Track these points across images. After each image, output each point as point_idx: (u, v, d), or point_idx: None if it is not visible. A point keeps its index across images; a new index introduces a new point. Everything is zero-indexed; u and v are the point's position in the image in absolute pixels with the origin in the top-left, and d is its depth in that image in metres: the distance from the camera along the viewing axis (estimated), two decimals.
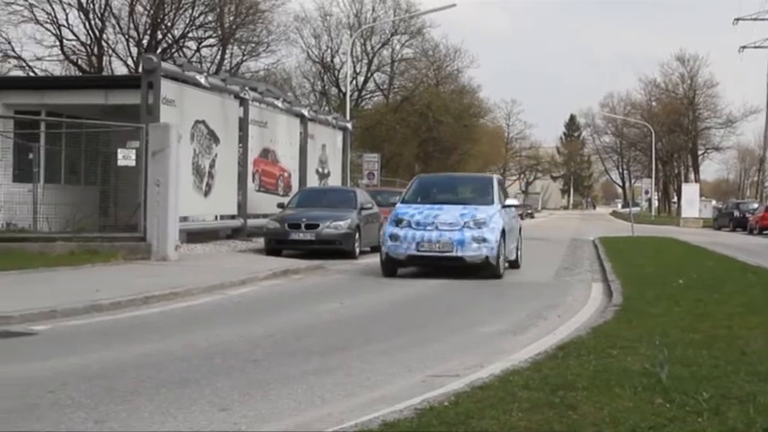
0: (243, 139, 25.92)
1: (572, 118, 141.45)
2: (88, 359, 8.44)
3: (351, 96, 54.65)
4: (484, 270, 17.12)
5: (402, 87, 71.27)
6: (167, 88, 21.12)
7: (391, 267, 17.57)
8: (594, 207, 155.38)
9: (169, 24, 53.14)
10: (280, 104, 29.01)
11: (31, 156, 20.94)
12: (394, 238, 17.27)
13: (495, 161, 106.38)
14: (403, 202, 18.58)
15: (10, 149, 20.70)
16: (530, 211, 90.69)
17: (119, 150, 19.10)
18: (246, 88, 26.16)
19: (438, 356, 8.93)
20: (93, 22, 51.17)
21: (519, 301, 13.97)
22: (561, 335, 9.90)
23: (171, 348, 9.17)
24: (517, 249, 19.87)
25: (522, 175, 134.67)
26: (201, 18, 53.69)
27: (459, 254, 16.98)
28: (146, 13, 52.09)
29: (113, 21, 51.89)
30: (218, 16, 53.53)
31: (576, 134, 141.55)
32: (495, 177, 20.04)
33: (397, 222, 17.51)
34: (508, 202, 19.10)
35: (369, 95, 71.64)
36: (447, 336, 10.39)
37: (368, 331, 10.60)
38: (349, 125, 37.99)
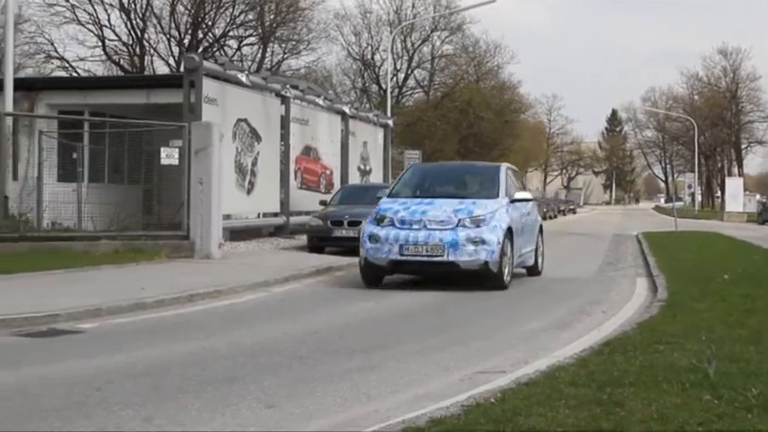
0: (284, 136, 25.98)
1: (613, 113, 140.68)
2: (133, 357, 8.50)
3: (391, 93, 54.61)
4: (483, 279, 14.43)
5: (442, 84, 71.15)
6: (209, 87, 21.22)
7: (372, 275, 14.82)
8: (638, 202, 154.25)
9: (210, 23, 53.44)
10: (321, 102, 29.05)
11: (75, 155, 21.16)
12: (373, 239, 14.45)
13: (536, 157, 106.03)
14: (390, 195, 15.84)
15: (54, 149, 20.89)
16: (572, 207, 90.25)
17: (162, 149, 19.24)
18: (288, 86, 26.22)
19: (482, 353, 8.89)
20: (134, 23, 51.63)
21: (562, 297, 13.88)
22: (606, 331, 9.85)
23: (215, 346, 9.22)
24: (536, 253, 17.13)
25: (564, 171, 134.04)
26: (242, 17, 53.96)
27: (452, 258, 14.16)
28: (187, 12, 52.44)
29: (155, 20, 52.36)
30: (258, 15, 53.73)
31: (617, 129, 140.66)
32: (505, 166, 16.75)
33: (379, 220, 14.73)
34: (518, 195, 15.98)
35: (409, 92, 71.65)
36: (490, 332, 10.34)
37: (410, 329, 10.58)
38: (390, 122, 38.00)
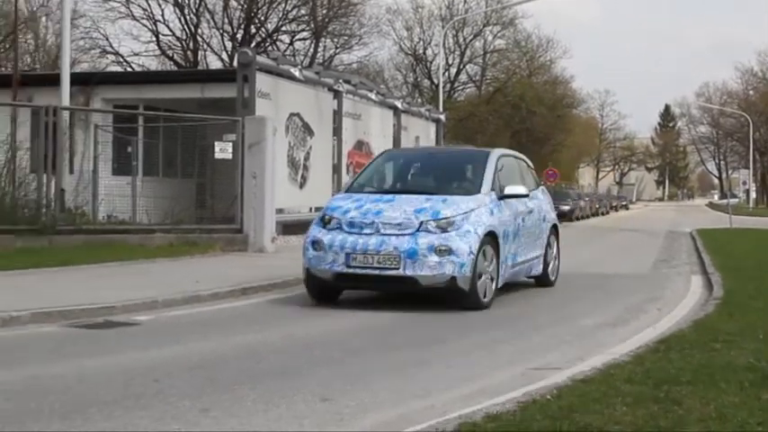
0: (337, 131, 26.04)
1: (667, 108, 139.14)
2: (189, 349, 8.57)
3: (443, 88, 54.55)
4: (453, 298, 11.46)
5: (494, 79, 70.87)
6: (262, 82, 21.32)
7: (317, 289, 11.95)
8: (691, 198, 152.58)
9: (262, 18, 53.74)
10: (373, 97, 29.06)
11: (129, 149, 21.36)
12: (317, 245, 11.61)
13: (588, 152, 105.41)
14: (349, 189, 13.06)
15: (109, 143, 21.12)
16: (624, 203, 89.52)
17: (215, 143, 19.35)
18: (340, 81, 26.27)
19: (537, 349, 8.86)
20: (188, 18, 52.14)
21: (617, 294, 13.77)
22: (662, 328, 9.75)
23: (270, 339, 9.27)
24: (545, 259, 14.32)
25: (617, 167, 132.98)
26: (294, 12, 54.17)
27: (409, 272, 11.14)
28: (239, 7, 52.75)
29: (208, 16, 52.79)
30: (310, 10, 53.90)
31: (671, 124, 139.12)
32: (498, 153, 13.48)
33: (325, 222, 11.81)
34: (509, 189, 12.66)
35: (461, 87, 71.45)
36: (545, 328, 10.30)
37: (462, 325, 10.56)
38: (442, 117, 37.90)
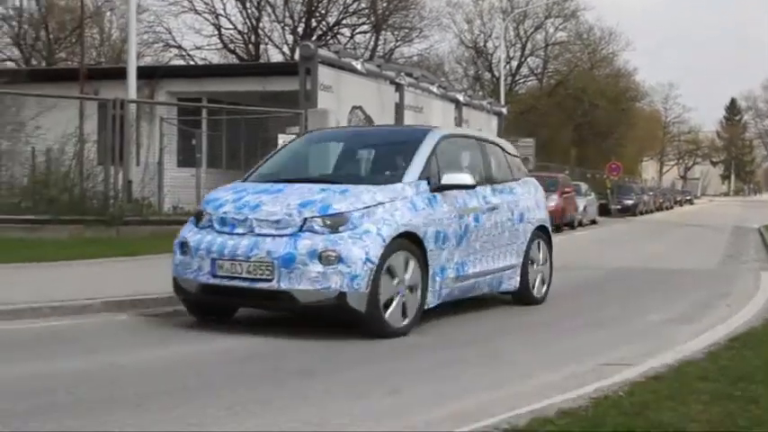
0: (398, 124, 26.00)
1: (732, 101, 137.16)
2: (252, 342, 8.57)
3: (504, 81, 54.26)
4: (348, 321, 8.72)
5: (556, 71, 70.37)
6: (324, 74, 21.39)
7: (187, 304, 9.46)
8: (758, 193, 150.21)
9: (323, 12, 53.84)
10: (435, 90, 29.02)
11: (194, 141, 21.59)
12: (183, 248, 9.11)
13: (651, 146, 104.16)
14: (247, 178, 10.26)
15: (174, 136, 21.35)
16: (689, 198, 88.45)
17: (279, 136, 19.45)
18: (402, 74, 26.28)
19: (605, 344, 8.72)
20: (249, 11, 52.40)
21: (684, 290, 13.54)
22: (733, 325, 9.54)
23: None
24: (525, 270, 11.25)
25: (681, 161, 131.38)
26: (355, 5, 54.19)
27: (284, 286, 8.41)
28: (300, 1, 52.91)
29: (269, 9, 52.99)
30: (371, 3, 53.90)
31: (736, 118, 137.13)
32: (439, 133, 10.30)
33: (198, 218, 9.32)
34: (449, 179, 9.68)
35: (522, 80, 71.02)
36: (612, 324, 10.16)
37: (530, 319, 10.48)
38: (504, 110, 37.74)
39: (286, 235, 8.55)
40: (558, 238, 25.54)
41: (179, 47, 51.77)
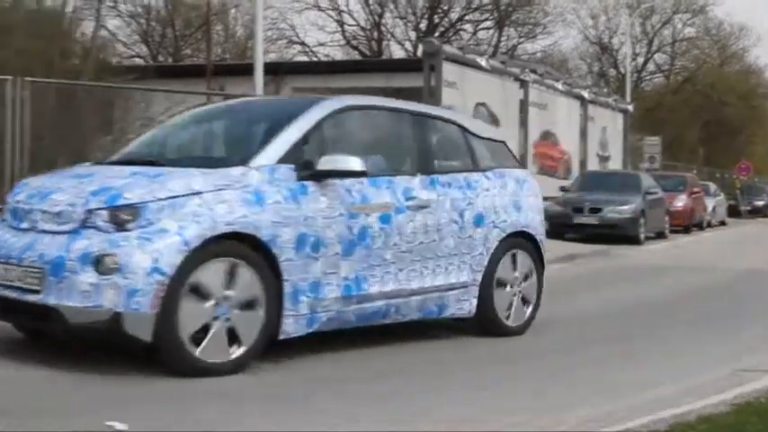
0: (523, 121, 25.68)
1: None
2: None
3: (630, 77, 53.21)
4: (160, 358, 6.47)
5: (683, 68, 68.77)
6: (448, 71, 21.19)
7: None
8: None
9: (446, 8, 53.72)
10: (560, 86, 28.54)
11: None
12: None
13: None
14: (108, 160, 8.20)
15: None
16: None
17: None
18: (526, 70, 25.91)
19: (743, 349, 8.36)
20: (372, 8, 52.66)
21: None
22: None
23: None
24: (489, 291, 8.36)
25: None
26: (478, 1, 53.90)
27: (52, 300, 6.27)
28: None
29: (392, 6, 53.15)
30: None
31: None
32: (331, 105, 7.67)
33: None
34: (327, 163, 7.11)
35: (648, 77, 69.61)
36: (749, 328, 9.73)
37: (663, 321, 10.09)
38: (630, 107, 36.96)
39: (66, 232, 6.49)
40: (686, 239, 25.05)
41: (302, 43, 52.37)
